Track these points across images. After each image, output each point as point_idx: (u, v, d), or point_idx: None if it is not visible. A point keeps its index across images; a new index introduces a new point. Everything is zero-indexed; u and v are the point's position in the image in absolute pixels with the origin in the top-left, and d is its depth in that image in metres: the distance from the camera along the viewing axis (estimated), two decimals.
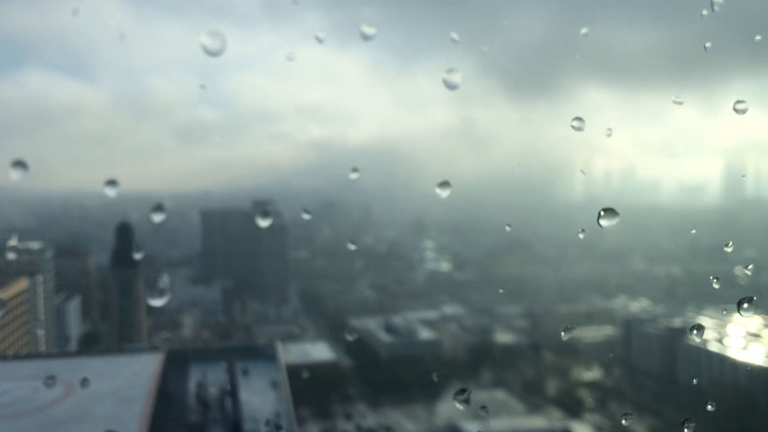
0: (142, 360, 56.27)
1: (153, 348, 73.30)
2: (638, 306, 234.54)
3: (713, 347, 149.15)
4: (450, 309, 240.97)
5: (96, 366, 54.81)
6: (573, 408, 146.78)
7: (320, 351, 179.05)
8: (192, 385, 52.75)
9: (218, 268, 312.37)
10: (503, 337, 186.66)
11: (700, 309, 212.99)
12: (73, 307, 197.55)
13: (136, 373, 51.06)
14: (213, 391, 51.22)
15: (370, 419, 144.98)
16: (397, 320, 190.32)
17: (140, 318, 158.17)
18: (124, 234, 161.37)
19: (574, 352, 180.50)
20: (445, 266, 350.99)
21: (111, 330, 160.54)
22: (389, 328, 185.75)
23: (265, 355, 68.00)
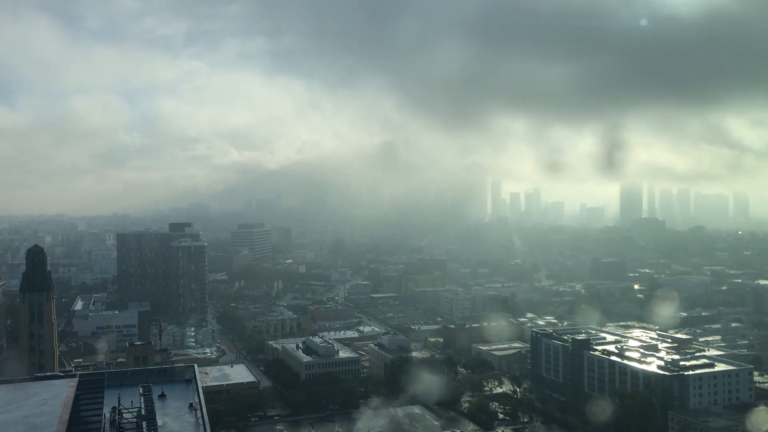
0: (53, 387, 53.34)
1: (65, 374, 71.73)
2: (545, 321, 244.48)
3: (614, 358, 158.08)
4: (368, 327, 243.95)
5: (4, 395, 51.90)
6: (485, 421, 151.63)
7: (238, 373, 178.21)
8: (107, 411, 51.51)
9: (135, 292, 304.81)
10: (419, 354, 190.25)
11: (601, 324, 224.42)
12: None
13: (46, 401, 49.02)
14: (128, 416, 50.62)
15: None
16: (316, 340, 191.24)
17: (52, 344, 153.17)
18: (36, 258, 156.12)
19: (486, 366, 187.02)
20: (362, 286, 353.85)
21: (21, 357, 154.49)
22: (308, 349, 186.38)
23: (183, 378, 68.89)
